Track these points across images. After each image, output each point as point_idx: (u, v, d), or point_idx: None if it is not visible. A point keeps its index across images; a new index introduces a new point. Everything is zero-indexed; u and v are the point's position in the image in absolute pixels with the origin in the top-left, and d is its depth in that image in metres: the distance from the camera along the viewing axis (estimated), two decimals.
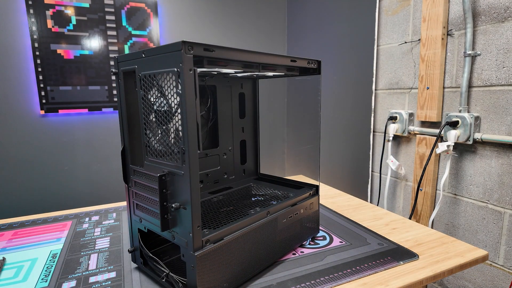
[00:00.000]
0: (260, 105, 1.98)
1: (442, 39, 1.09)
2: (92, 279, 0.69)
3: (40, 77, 1.46)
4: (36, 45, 1.44)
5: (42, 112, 1.48)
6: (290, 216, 0.76)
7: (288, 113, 2.03)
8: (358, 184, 1.51)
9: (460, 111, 1.05)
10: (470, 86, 1.04)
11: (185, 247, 0.57)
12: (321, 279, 0.67)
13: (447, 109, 1.12)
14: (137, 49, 1.61)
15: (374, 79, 1.38)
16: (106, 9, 1.54)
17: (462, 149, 1.08)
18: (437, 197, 1.16)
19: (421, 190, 1.19)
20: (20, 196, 1.49)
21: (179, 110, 0.54)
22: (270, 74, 0.78)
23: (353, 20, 1.45)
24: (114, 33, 1.56)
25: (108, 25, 1.55)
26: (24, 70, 1.45)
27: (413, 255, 0.76)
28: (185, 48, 0.51)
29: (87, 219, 1.03)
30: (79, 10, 1.49)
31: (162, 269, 0.63)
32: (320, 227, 0.93)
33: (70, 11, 1.48)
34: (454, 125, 1.04)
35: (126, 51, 1.60)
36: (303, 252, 0.79)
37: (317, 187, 0.86)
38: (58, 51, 1.48)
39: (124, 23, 1.57)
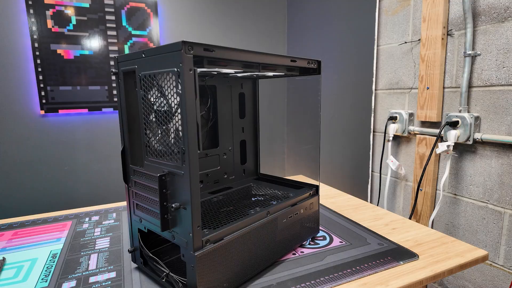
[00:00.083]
0: (260, 105, 1.98)
1: (442, 39, 1.09)
2: (92, 279, 0.69)
3: (40, 77, 1.46)
4: (36, 45, 1.44)
5: (42, 112, 1.48)
6: (290, 216, 0.76)
7: (288, 113, 2.03)
8: (358, 184, 1.51)
9: (460, 111, 1.05)
10: (470, 86, 1.04)
11: (185, 247, 0.57)
12: (321, 279, 0.67)
13: (447, 109, 1.12)
14: (137, 49, 1.61)
15: (374, 79, 1.38)
16: (106, 9, 1.54)
17: (462, 149, 1.08)
18: (437, 197, 1.16)
19: (421, 190, 1.19)
20: (20, 196, 1.49)
21: (179, 110, 0.54)
22: (270, 74, 0.78)
23: (353, 20, 1.45)
24: (114, 33, 1.56)
25: (108, 25, 1.55)
26: (24, 70, 1.45)
27: (413, 255, 0.76)
28: (185, 48, 0.51)
29: (87, 219, 1.03)
30: (79, 10, 1.49)
31: (162, 269, 0.63)
32: (320, 227, 0.93)
33: (70, 11, 1.48)
34: (454, 125, 1.04)
35: (126, 51, 1.60)
36: (303, 252, 0.79)
37: (317, 187, 0.86)
38: (58, 51, 1.48)
39: (124, 23, 1.57)
